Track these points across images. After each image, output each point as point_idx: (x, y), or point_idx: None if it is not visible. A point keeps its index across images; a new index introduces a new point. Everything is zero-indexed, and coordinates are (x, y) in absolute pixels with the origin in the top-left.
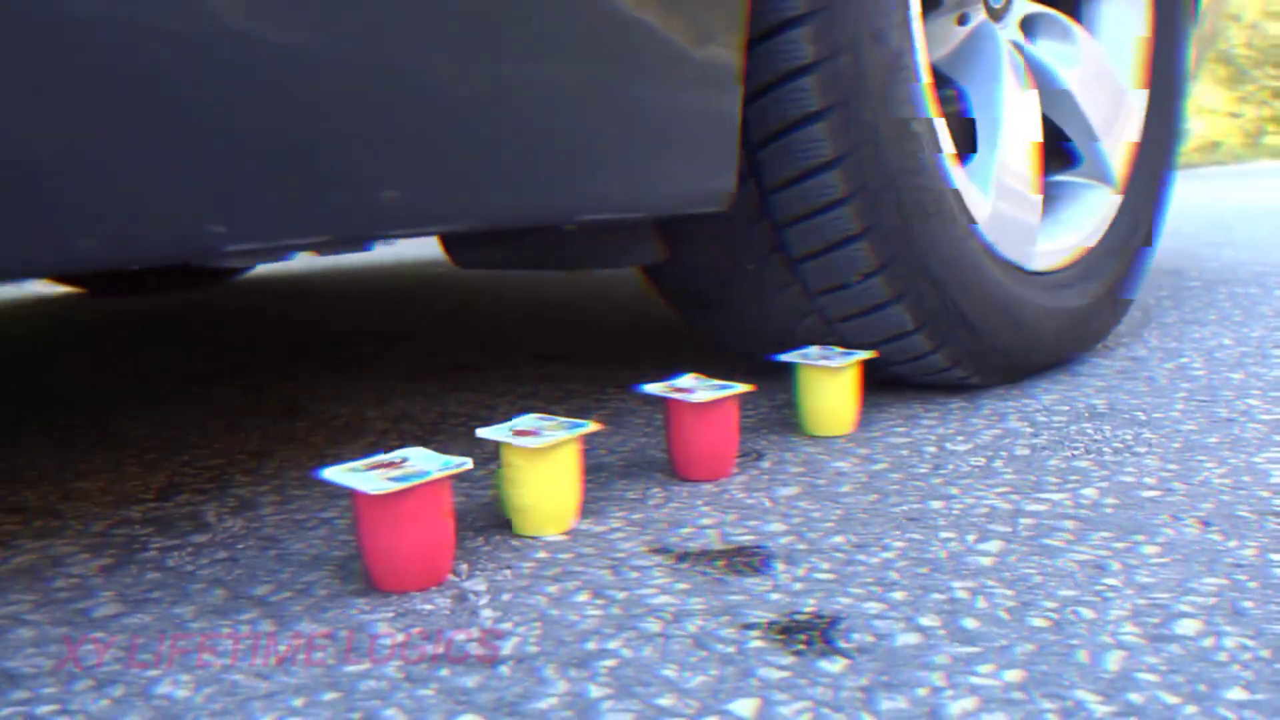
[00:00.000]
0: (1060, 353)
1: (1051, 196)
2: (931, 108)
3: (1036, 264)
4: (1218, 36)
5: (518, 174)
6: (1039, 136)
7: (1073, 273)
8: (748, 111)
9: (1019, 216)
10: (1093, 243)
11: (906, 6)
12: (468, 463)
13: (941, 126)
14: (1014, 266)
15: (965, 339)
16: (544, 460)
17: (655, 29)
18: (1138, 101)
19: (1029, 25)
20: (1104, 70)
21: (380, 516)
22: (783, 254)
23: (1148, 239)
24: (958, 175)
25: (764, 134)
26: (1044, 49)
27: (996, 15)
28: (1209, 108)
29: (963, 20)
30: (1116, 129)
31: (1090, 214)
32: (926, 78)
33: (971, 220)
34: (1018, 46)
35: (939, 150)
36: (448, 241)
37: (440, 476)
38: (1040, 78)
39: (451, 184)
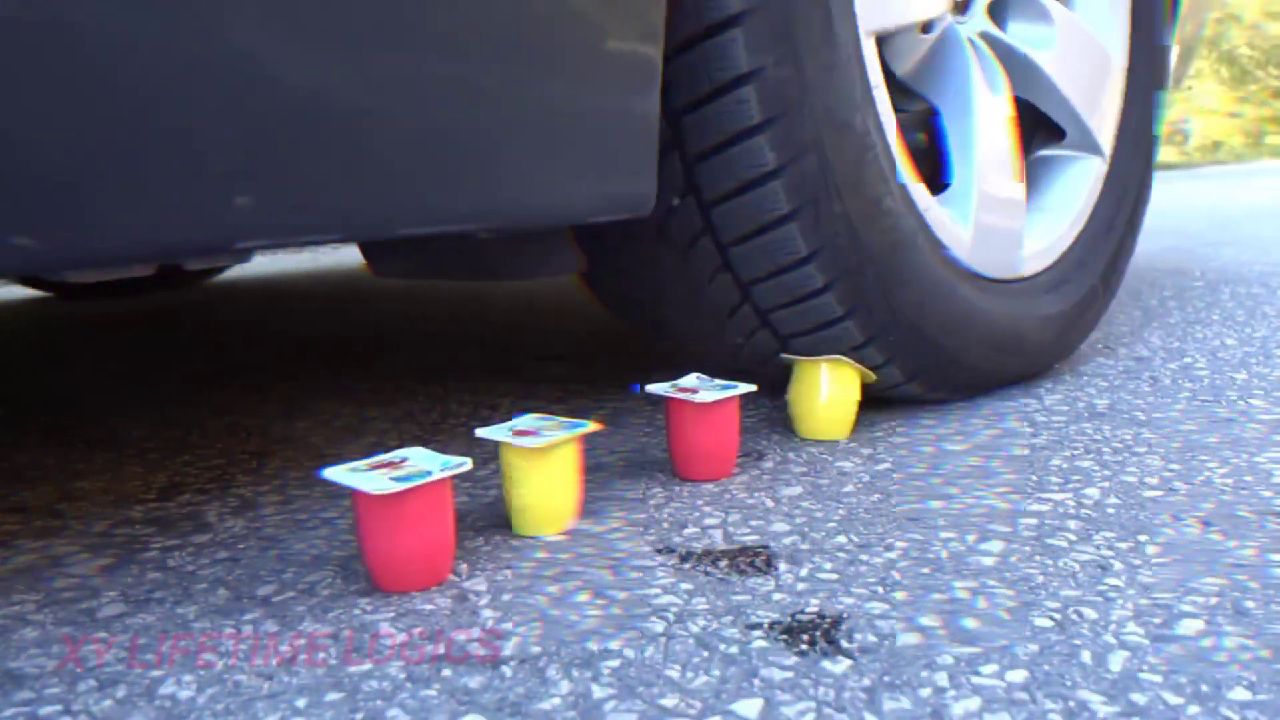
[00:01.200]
0: (1039, 361)
1: (1034, 177)
2: (902, 166)
3: (1025, 268)
4: (1200, 36)
5: (398, 180)
6: (1015, 143)
7: (1054, 274)
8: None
9: (1003, 225)
10: (1078, 229)
11: (869, 87)
12: (467, 463)
13: (910, 179)
14: (994, 280)
15: (930, 360)
16: (543, 460)
17: (560, 23)
18: (1120, 66)
19: (998, 9)
20: (1085, 42)
21: (381, 517)
22: (733, 276)
23: (1132, 222)
24: (930, 209)
25: (721, 192)
26: (1018, 33)
27: (961, 6)
28: (1210, 108)
29: (927, 28)
30: (1103, 102)
31: (1075, 193)
32: (894, 139)
33: (941, 247)
34: (988, 39)
35: (912, 206)
36: (364, 250)
37: (441, 477)
38: (1017, 66)
39: (312, 191)
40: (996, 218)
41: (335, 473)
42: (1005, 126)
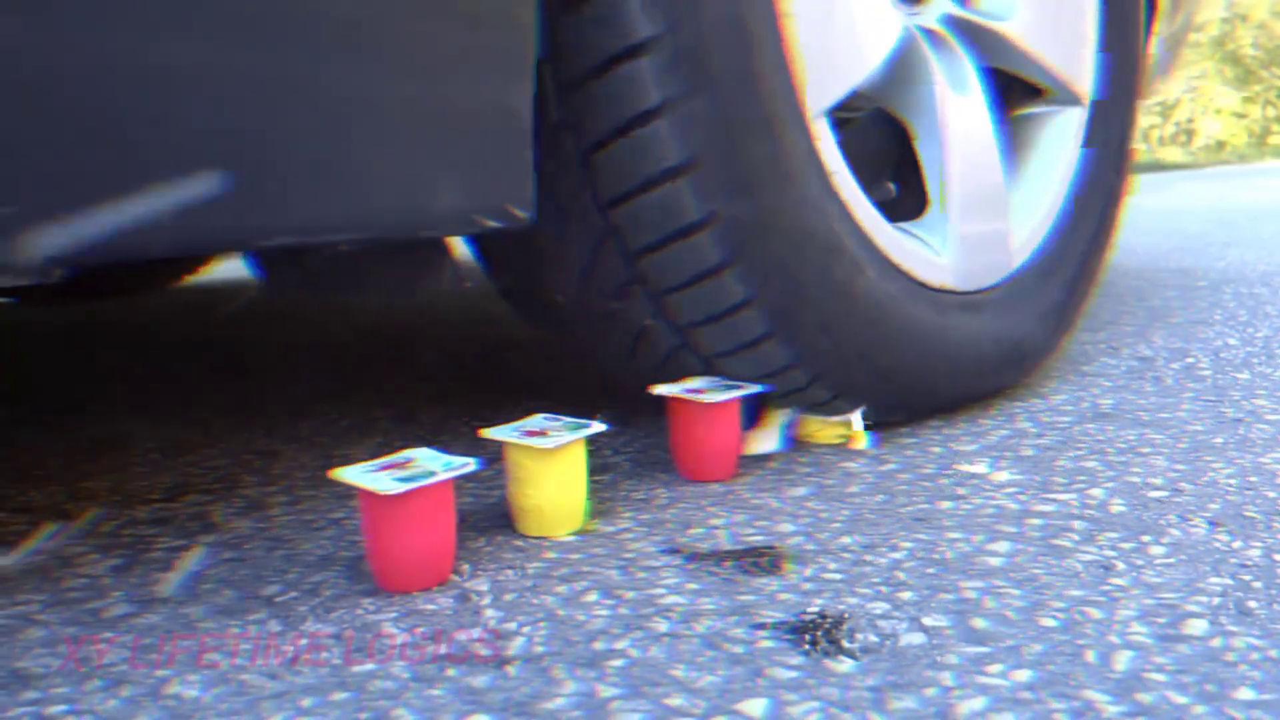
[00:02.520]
0: (1005, 378)
1: (1017, 137)
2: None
3: (1015, 259)
4: (1191, 30)
5: (212, 189)
6: (994, 139)
7: (1025, 280)
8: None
9: (990, 229)
10: (1057, 208)
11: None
12: (471, 463)
13: (858, 201)
14: (978, 293)
15: (879, 386)
16: (555, 461)
17: (409, 8)
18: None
19: None
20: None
21: (385, 516)
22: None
23: (1113, 197)
24: (887, 237)
25: (652, 238)
26: (984, 4)
27: None
28: (1216, 107)
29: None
30: (1080, 57)
31: (1055, 159)
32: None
33: (895, 271)
34: (951, 22)
35: (858, 234)
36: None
37: (445, 477)
38: (986, 40)
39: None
40: (980, 225)
41: (343, 473)
42: (980, 124)
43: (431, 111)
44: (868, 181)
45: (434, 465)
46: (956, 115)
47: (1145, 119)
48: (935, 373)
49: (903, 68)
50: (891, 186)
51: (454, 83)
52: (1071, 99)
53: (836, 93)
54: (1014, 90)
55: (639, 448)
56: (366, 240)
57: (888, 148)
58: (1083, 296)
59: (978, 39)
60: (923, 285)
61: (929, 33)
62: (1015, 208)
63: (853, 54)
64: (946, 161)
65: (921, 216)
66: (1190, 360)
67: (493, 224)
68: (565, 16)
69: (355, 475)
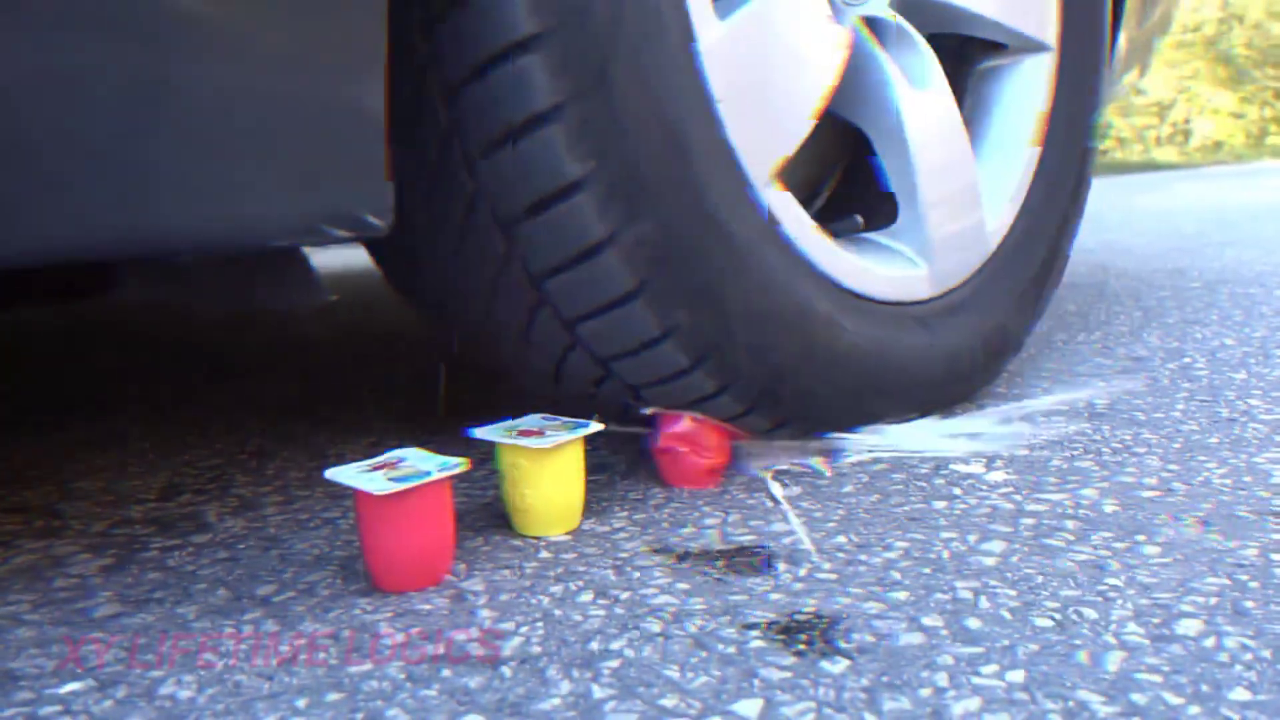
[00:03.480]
0: (969, 388)
1: (979, 92)
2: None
3: (992, 241)
4: (1170, 23)
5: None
6: (958, 127)
7: (1003, 258)
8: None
9: (965, 228)
10: (1027, 181)
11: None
12: (464, 463)
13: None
14: (937, 297)
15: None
16: (552, 461)
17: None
18: None
19: None
20: None
21: (381, 517)
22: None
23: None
24: (819, 249)
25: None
26: None
27: None
28: (1212, 108)
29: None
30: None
31: (1024, 117)
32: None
33: (835, 287)
34: (902, 5)
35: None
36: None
37: (440, 477)
38: (939, 13)
39: None
40: (958, 220)
41: (337, 473)
42: (944, 112)
43: (262, 109)
44: (829, 214)
45: (427, 465)
46: (919, 113)
47: (1141, 120)
48: (907, 387)
49: (854, 74)
50: (859, 219)
51: (289, 76)
52: (1037, 46)
53: (783, 152)
54: (972, 44)
55: (635, 448)
56: (193, 252)
57: (836, 161)
58: (1062, 265)
59: (934, 14)
60: (887, 303)
61: (877, 24)
62: (987, 182)
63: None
64: (915, 165)
65: (893, 225)
66: (1186, 360)
67: (344, 234)
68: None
69: (349, 475)
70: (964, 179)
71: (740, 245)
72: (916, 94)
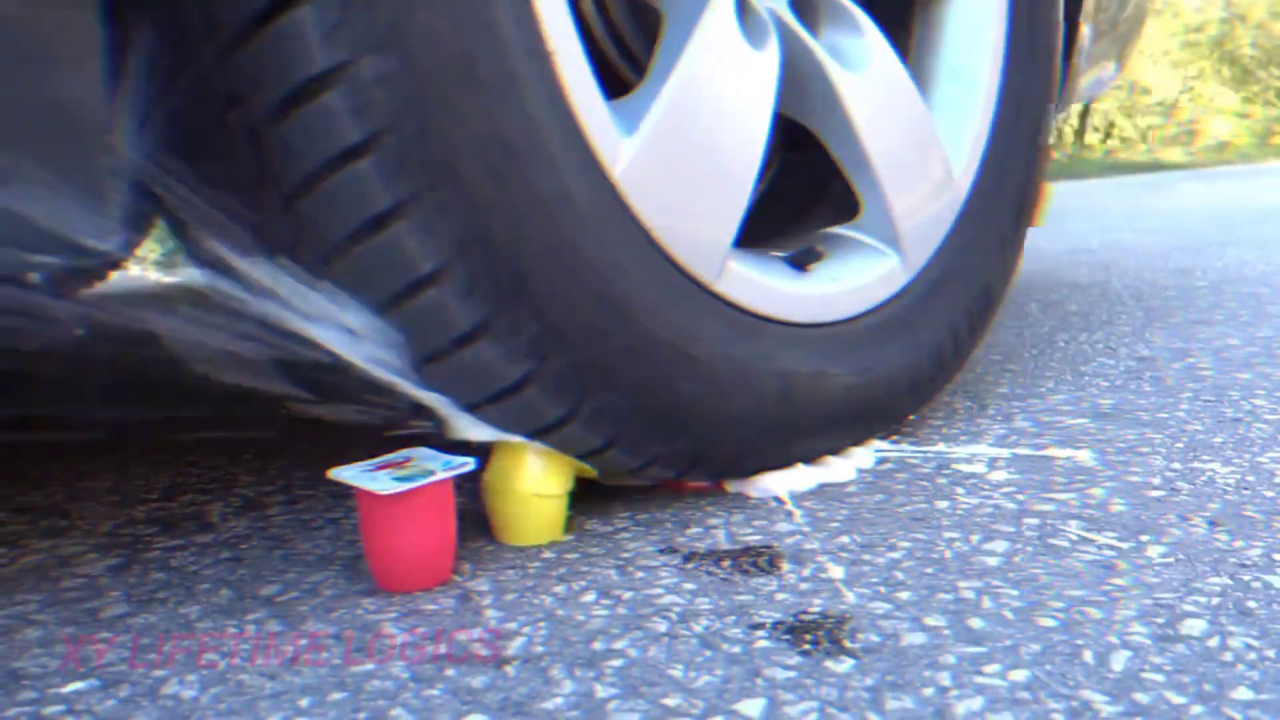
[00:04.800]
0: (893, 414)
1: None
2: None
3: (962, 183)
4: (1144, 18)
5: None
6: (910, 91)
7: (974, 210)
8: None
9: (933, 193)
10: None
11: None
12: (471, 462)
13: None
14: (906, 287)
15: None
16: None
17: None
18: None
19: None
20: None
21: (383, 516)
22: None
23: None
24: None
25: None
26: None
27: None
28: (1217, 107)
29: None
30: None
31: (982, 42)
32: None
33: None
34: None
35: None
36: None
37: (444, 477)
38: None
39: None
40: (925, 193)
41: (340, 472)
42: (890, 80)
43: None
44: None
45: (432, 465)
46: (863, 98)
47: (1146, 120)
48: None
49: (787, 73)
50: (818, 249)
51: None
52: None
53: (733, 230)
54: None
55: None
56: None
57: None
58: (1034, 200)
59: None
60: (858, 316)
61: (800, 7)
62: (948, 123)
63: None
64: (870, 155)
65: (856, 219)
66: (1191, 360)
67: (53, 261)
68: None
69: (353, 475)
70: (922, 140)
71: (704, 354)
72: (857, 77)
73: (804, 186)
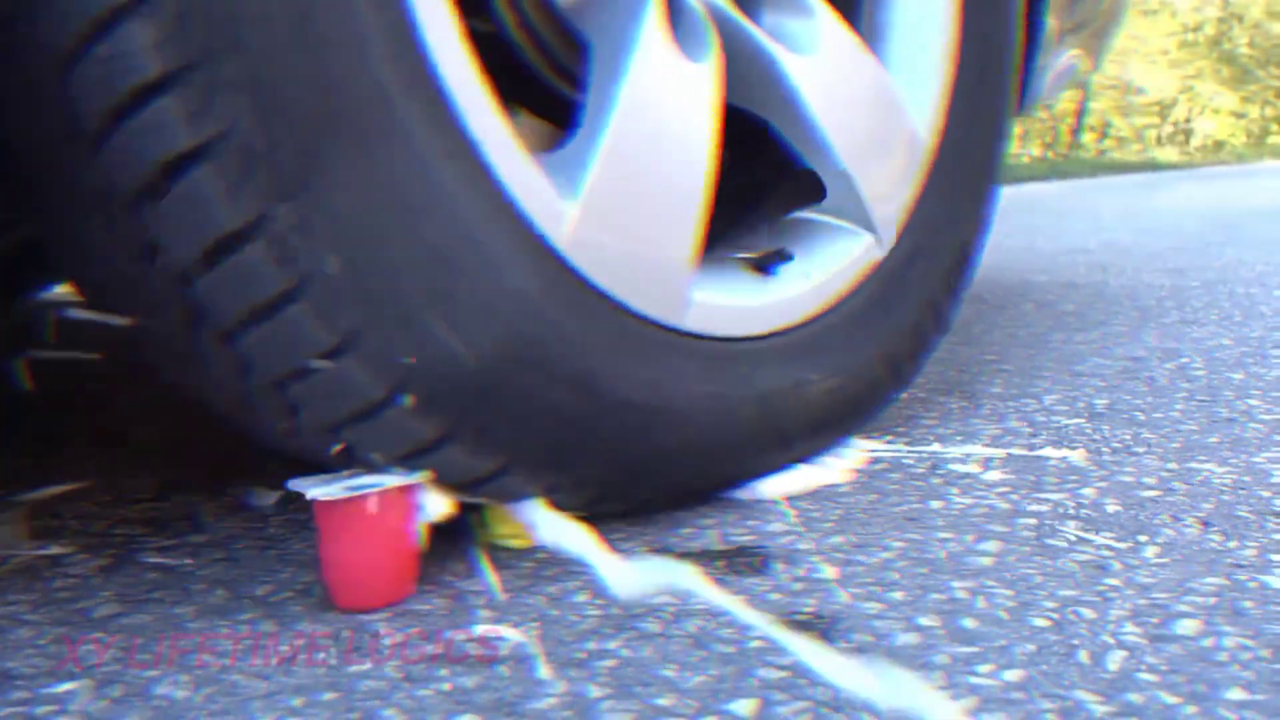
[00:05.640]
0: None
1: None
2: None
3: (926, 138)
4: (1121, 14)
5: None
6: (863, 57)
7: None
8: None
9: (906, 170)
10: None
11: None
12: (426, 474)
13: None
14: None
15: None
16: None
17: None
18: None
19: None
20: None
21: (335, 525)
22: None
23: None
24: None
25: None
26: None
27: None
28: (1213, 107)
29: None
30: None
31: None
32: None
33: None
34: None
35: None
36: None
37: (394, 486)
38: None
39: None
40: (888, 161)
41: (300, 482)
42: (843, 62)
43: None
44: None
45: (391, 476)
46: (817, 81)
47: (1142, 119)
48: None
49: (731, 64)
50: (786, 250)
51: None
52: None
53: (689, 266)
54: None
55: None
56: None
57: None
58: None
59: None
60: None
61: None
62: (908, 83)
63: None
64: (828, 139)
65: (822, 201)
66: (1184, 360)
67: None
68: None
69: (308, 483)
70: (884, 107)
71: (681, 401)
72: (807, 60)
73: (762, 168)
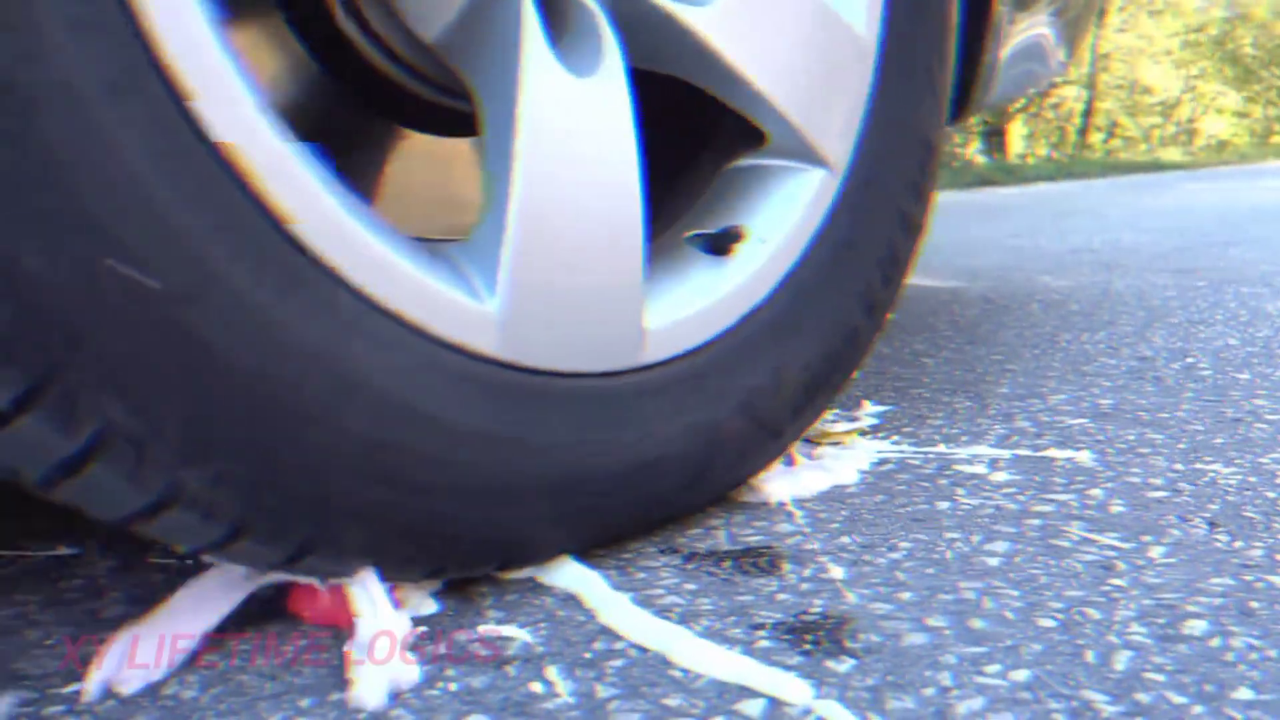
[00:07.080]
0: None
1: None
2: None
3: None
4: (1098, 5)
5: None
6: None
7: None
8: None
9: (851, 82)
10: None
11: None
12: None
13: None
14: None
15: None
16: None
17: None
18: None
19: None
20: None
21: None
22: None
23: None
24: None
25: None
26: None
27: None
28: (1218, 107)
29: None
30: None
31: None
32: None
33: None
34: None
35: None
36: None
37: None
38: None
39: None
40: (839, 86)
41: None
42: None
43: None
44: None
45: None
46: (725, 27)
47: (1146, 119)
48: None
49: (637, 37)
50: (737, 228)
51: None
52: None
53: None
54: None
55: None
56: None
57: None
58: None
59: None
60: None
61: None
62: None
63: None
64: (753, 85)
65: (764, 146)
66: (1191, 360)
67: None
68: None
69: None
70: (812, 23)
71: (656, 448)
72: (709, 9)
73: (694, 119)
